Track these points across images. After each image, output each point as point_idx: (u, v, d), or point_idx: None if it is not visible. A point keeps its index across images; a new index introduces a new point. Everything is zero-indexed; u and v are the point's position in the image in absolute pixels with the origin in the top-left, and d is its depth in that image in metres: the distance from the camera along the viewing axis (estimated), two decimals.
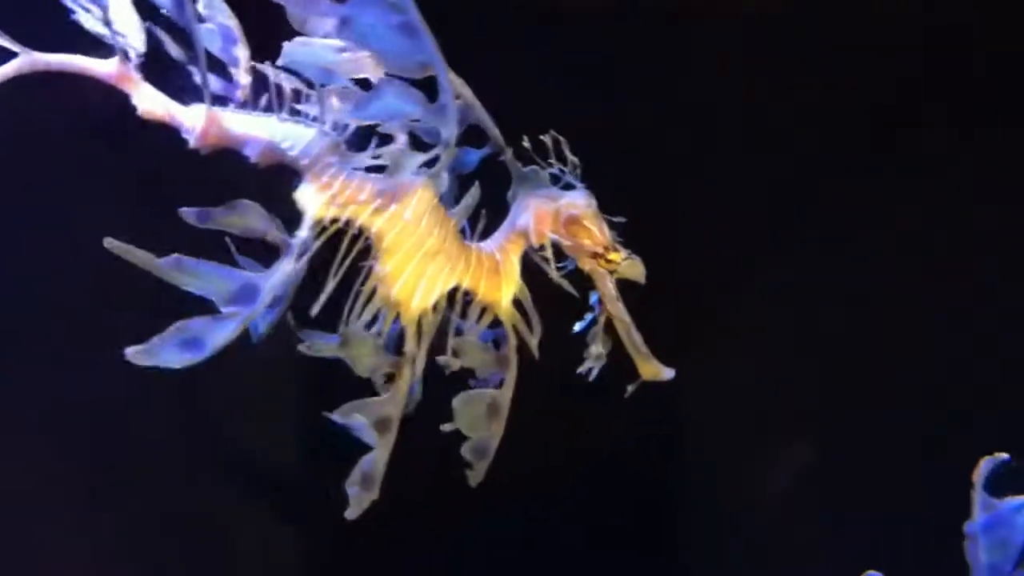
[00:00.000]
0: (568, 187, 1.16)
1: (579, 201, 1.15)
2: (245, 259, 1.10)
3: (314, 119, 1.12)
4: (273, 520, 1.61)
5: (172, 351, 1.04)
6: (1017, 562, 1.14)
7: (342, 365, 1.11)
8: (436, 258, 1.12)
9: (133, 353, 1.04)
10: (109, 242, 1.04)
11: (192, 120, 1.10)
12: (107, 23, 1.09)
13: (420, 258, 1.12)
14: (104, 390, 1.47)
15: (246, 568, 1.62)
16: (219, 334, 1.05)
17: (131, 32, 1.11)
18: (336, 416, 1.10)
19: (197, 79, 1.11)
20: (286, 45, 1.05)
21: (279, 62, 1.07)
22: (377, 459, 1.12)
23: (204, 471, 1.59)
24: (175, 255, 1.05)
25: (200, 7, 1.12)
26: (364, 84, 1.08)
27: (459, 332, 1.15)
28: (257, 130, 1.11)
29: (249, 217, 1.09)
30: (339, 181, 1.10)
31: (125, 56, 1.10)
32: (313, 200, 1.10)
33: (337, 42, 1.05)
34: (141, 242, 1.05)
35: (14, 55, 1.10)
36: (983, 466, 1.12)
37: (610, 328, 1.16)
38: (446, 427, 1.14)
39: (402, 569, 1.59)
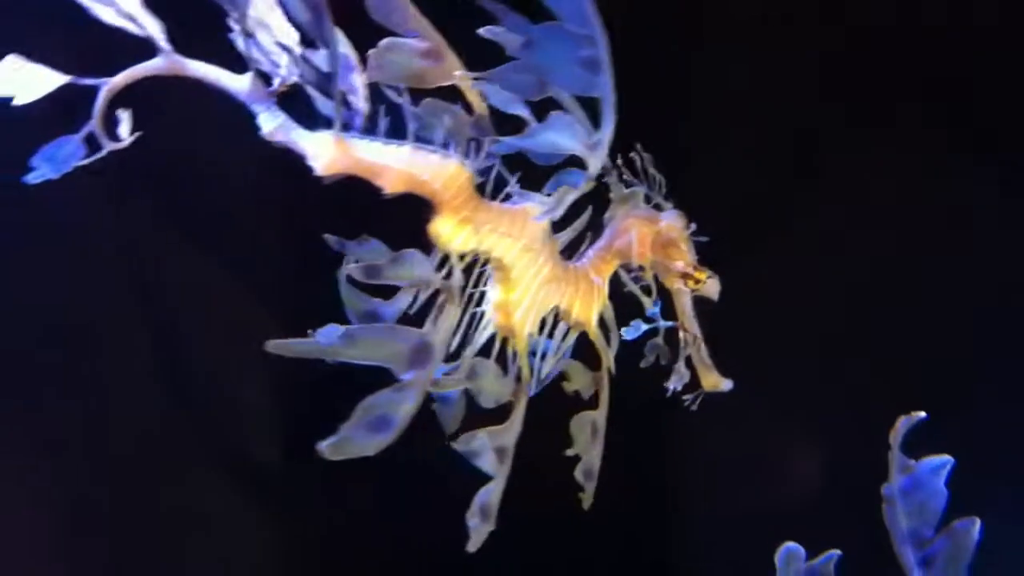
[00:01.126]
0: (657, 207, 1.18)
1: (678, 223, 1.17)
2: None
3: (445, 147, 1.09)
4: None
5: (362, 436, 1.00)
6: (938, 526, 1.11)
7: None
8: (549, 284, 1.13)
9: (328, 448, 0.99)
10: (273, 344, 1.00)
11: (319, 147, 1.08)
12: (249, 41, 1.07)
13: (537, 285, 1.12)
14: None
15: None
16: (404, 407, 1.02)
17: (268, 54, 1.09)
18: (459, 446, 1.09)
19: (320, 106, 1.10)
20: (373, 52, 1.05)
21: (370, 74, 1.05)
22: (495, 490, 1.09)
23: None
24: (343, 329, 1.02)
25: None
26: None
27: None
28: (392, 160, 1.08)
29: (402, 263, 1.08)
30: (480, 214, 1.09)
31: (260, 77, 1.08)
32: (454, 235, 1.09)
33: (420, 44, 1.05)
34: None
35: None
36: (899, 426, 1.10)
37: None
38: (569, 452, 1.15)
39: None
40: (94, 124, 1.07)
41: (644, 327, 1.20)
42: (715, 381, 1.18)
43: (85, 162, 1.06)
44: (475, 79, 1.06)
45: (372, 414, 1.00)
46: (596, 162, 1.06)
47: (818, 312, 1.57)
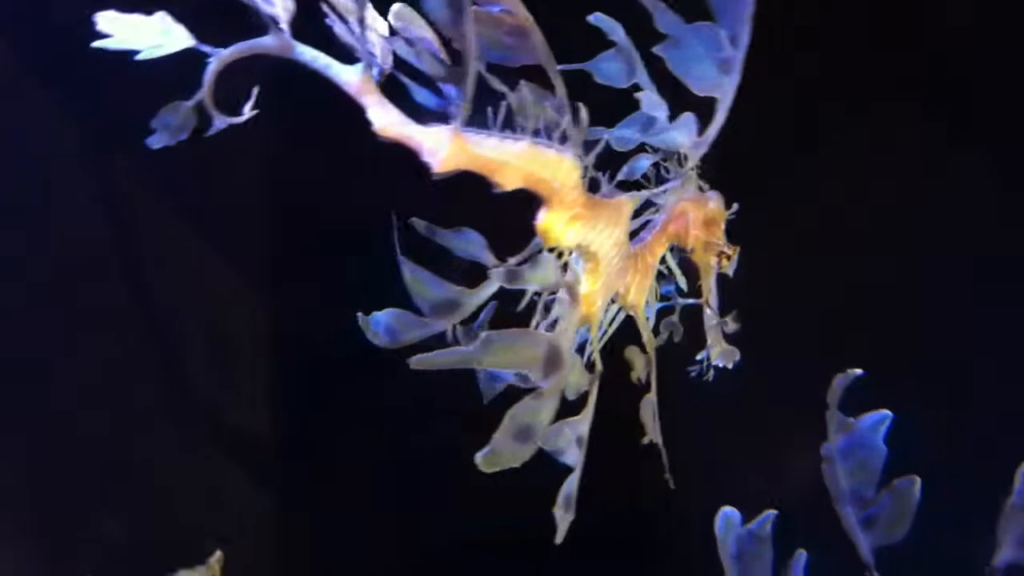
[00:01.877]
0: (700, 188, 1.17)
1: (720, 204, 1.17)
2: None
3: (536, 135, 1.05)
4: None
5: (511, 446, 0.99)
6: (879, 484, 1.08)
7: None
8: (620, 270, 1.12)
9: (482, 460, 0.98)
10: (416, 360, 0.97)
11: (437, 143, 1.02)
12: (362, 31, 1.03)
13: (615, 274, 1.11)
14: None
15: None
16: (544, 415, 1.01)
17: (379, 46, 1.05)
18: (547, 445, 1.05)
19: (420, 97, 1.07)
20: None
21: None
22: (575, 480, 1.07)
23: None
24: (484, 334, 0.99)
25: (392, 19, 1.06)
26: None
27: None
28: (511, 156, 1.04)
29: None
30: (587, 209, 1.07)
31: (371, 68, 1.04)
32: (565, 231, 1.06)
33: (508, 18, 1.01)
34: None
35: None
36: (836, 384, 1.08)
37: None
38: (645, 440, 1.13)
39: None
40: (203, 93, 1.03)
41: (656, 306, 1.19)
42: (723, 351, 1.18)
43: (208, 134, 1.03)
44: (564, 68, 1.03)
45: (517, 424, 0.99)
46: (695, 157, 1.08)
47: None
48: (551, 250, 1.06)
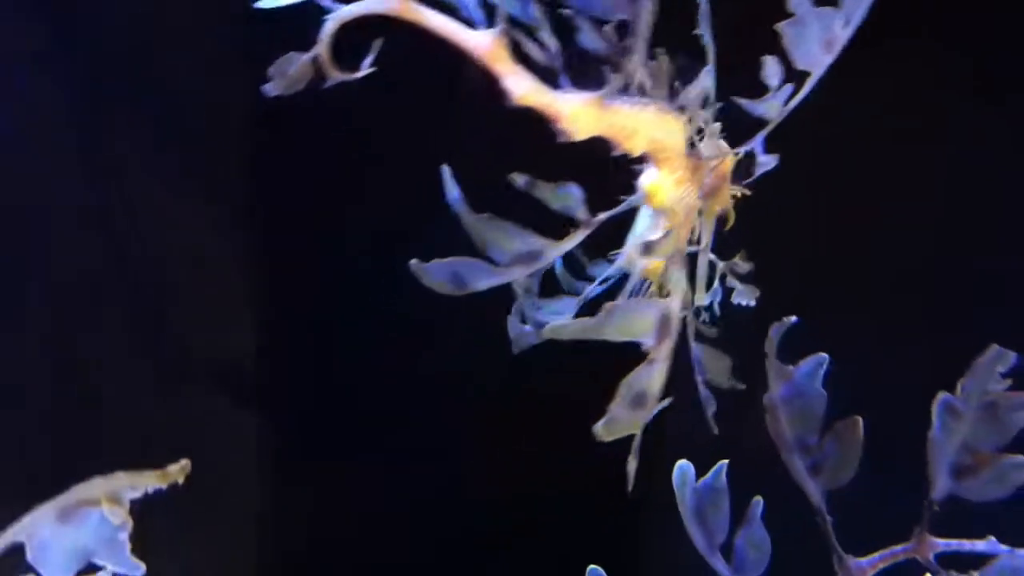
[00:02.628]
0: None
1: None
2: None
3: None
4: None
5: (627, 414, 0.99)
6: (822, 430, 1.09)
7: None
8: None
9: (600, 429, 0.99)
10: (550, 330, 1.00)
11: (579, 110, 1.02)
12: None
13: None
14: None
15: None
16: (656, 380, 1.01)
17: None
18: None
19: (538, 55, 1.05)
20: None
21: None
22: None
23: None
24: (609, 305, 0.99)
25: None
26: None
27: None
28: (643, 122, 1.04)
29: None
30: (691, 172, 1.07)
31: (506, 33, 1.01)
32: (671, 193, 1.07)
33: None
34: None
35: None
36: (772, 332, 1.08)
37: None
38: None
39: None
40: (320, 48, 1.00)
41: None
42: (750, 291, 1.19)
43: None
44: None
45: (632, 392, 0.99)
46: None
47: None
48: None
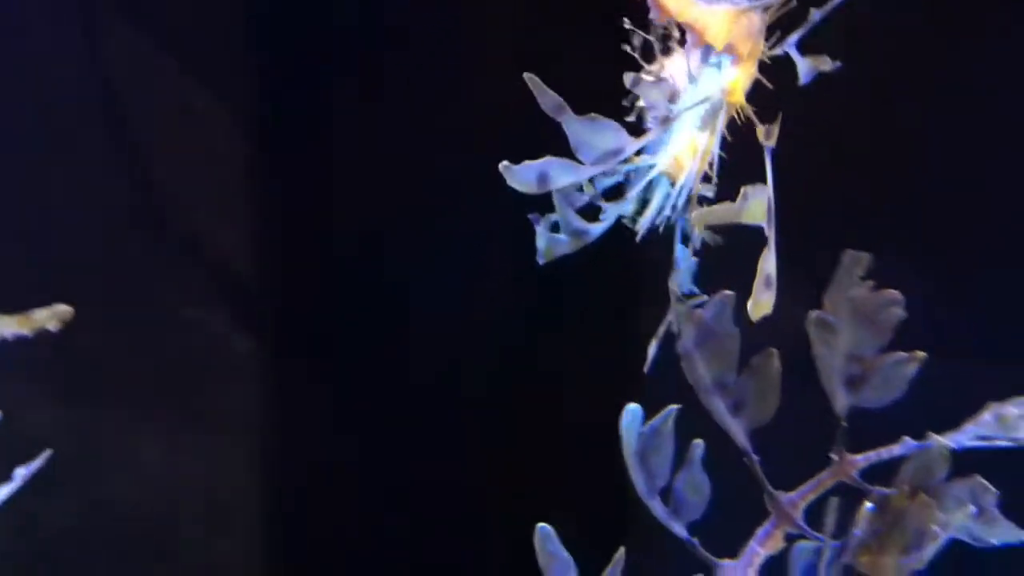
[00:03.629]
0: None
1: None
2: None
3: None
4: None
5: (766, 295, 1.03)
6: (739, 368, 1.10)
7: None
8: None
9: (751, 308, 1.03)
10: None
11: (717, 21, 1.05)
12: None
13: None
14: None
15: None
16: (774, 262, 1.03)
17: None
18: None
19: None
20: None
21: None
22: None
23: None
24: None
25: None
26: None
27: None
28: (719, 17, 1.05)
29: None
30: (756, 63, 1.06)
31: None
32: (743, 88, 1.06)
33: None
34: None
35: None
36: (679, 264, 1.09)
37: None
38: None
39: None
40: None
41: None
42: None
43: None
44: None
45: (764, 275, 1.03)
46: None
47: None
48: None
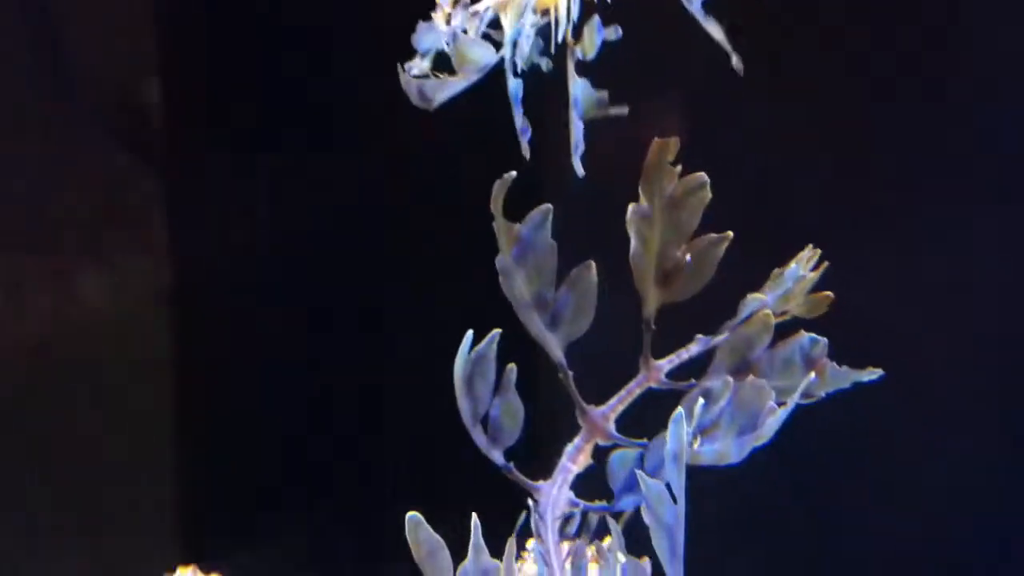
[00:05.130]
0: None
1: None
2: None
3: None
4: None
5: None
6: (557, 284, 1.03)
7: None
8: None
9: None
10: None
11: None
12: None
13: None
14: None
15: None
16: None
17: None
18: None
19: None
20: None
21: None
22: None
23: None
24: None
25: None
26: None
27: None
28: None
29: None
30: None
31: None
32: None
33: None
34: None
35: None
36: (495, 189, 0.99)
37: None
38: None
39: None
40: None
41: None
42: None
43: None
44: None
45: None
46: None
47: None
48: None
